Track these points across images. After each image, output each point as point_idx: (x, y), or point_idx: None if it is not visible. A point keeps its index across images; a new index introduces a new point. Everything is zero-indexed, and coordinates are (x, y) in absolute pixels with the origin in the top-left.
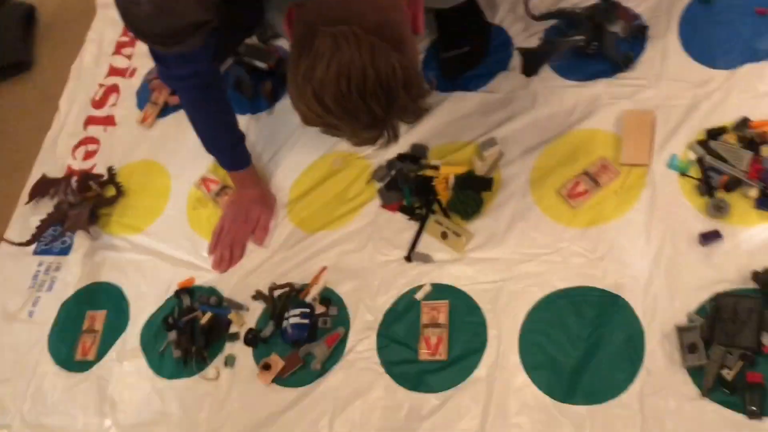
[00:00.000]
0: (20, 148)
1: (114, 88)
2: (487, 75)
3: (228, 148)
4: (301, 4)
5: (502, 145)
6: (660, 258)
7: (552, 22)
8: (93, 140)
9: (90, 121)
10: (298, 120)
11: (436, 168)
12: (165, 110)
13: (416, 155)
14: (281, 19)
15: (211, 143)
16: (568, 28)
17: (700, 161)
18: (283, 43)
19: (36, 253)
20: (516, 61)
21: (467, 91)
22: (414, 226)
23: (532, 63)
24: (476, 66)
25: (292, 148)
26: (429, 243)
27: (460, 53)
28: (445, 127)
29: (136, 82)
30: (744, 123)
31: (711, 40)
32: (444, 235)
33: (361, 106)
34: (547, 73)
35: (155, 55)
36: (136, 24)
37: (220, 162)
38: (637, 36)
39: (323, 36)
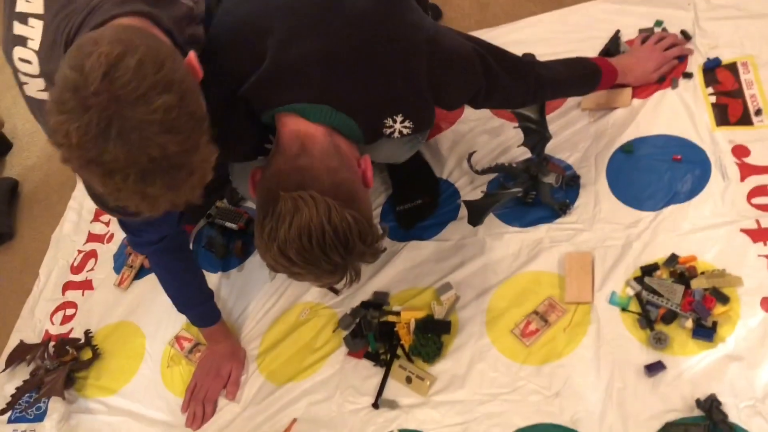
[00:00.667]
0: (2, 316)
1: (92, 254)
2: (439, 225)
3: (197, 306)
4: (263, 168)
5: (457, 289)
6: (611, 391)
7: (493, 175)
8: (71, 304)
9: (68, 286)
10: (267, 275)
11: (397, 314)
12: (141, 272)
13: (378, 302)
14: (244, 184)
15: (181, 303)
16: (507, 180)
17: (638, 296)
18: (251, 205)
19: (10, 420)
20: (464, 211)
21: (422, 240)
22: (380, 371)
23: (476, 214)
24: (429, 217)
25: (262, 302)
26: (395, 388)
27: (413, 206)
28: (404, 274)
29: (114, 246)
30: (673, 259)
31: (636, 186)
32: (408, 380)
33: (322, 257)
34: (493, 221)
35: (124, 226)
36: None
37: (190, 319)
38: (571, 184)
39: (284, 200)
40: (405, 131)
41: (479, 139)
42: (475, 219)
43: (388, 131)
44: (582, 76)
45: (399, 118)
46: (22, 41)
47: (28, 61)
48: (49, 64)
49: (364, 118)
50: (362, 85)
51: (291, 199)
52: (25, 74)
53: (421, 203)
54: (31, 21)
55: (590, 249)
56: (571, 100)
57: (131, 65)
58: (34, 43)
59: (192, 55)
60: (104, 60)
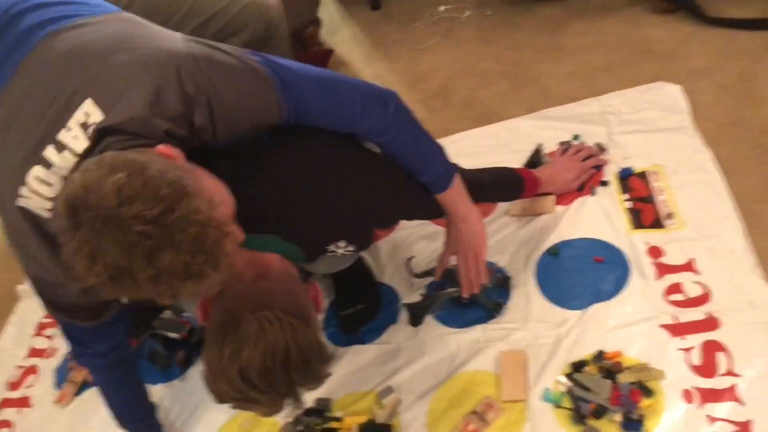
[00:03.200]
0: None
1: (32, 370)
2: (381, 328)
3: (140, 420)
4: (215, 295)
5: (399, 392)
6: None
7: (431, 278)
8: (6, 424)
9: (5, 403)
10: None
11: (339, 419)
12: (82, 387)
13: (321, 408)
14: (192, 306)
15: (123, 417)
16: (444, 282)
17: (569, 392)
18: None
19: None
20: (404, 315)
21: (364, 344)
22: None
23: (417, 315)
24: (370, 321)
25: (203, 412)
26: None
27: (356, 311)
28: (346, 379)
29: (55, 361)
30: (600, 355)
31: (563, 286)
32: None
33: (284, 378)
34: (431, 322)
35: (71, 335)
36: (61, 301)
37: None
38: (503, 285)
39: (248, 321)
40: (347, 253)
41: (417, 244)
42: (416, 320)
43: (330, 253)
44: (507, 183)
45: (342, 244)
46: (47, 164)
47: (48, 183)
48: None
49: (309, 246)
50: (311, 218)
51: (256, 319)
52: (34, 191)
53: (362, 308)
54: (67, 154)
55: (524, 347)
56: (500, 209)
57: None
58: (62, 171)
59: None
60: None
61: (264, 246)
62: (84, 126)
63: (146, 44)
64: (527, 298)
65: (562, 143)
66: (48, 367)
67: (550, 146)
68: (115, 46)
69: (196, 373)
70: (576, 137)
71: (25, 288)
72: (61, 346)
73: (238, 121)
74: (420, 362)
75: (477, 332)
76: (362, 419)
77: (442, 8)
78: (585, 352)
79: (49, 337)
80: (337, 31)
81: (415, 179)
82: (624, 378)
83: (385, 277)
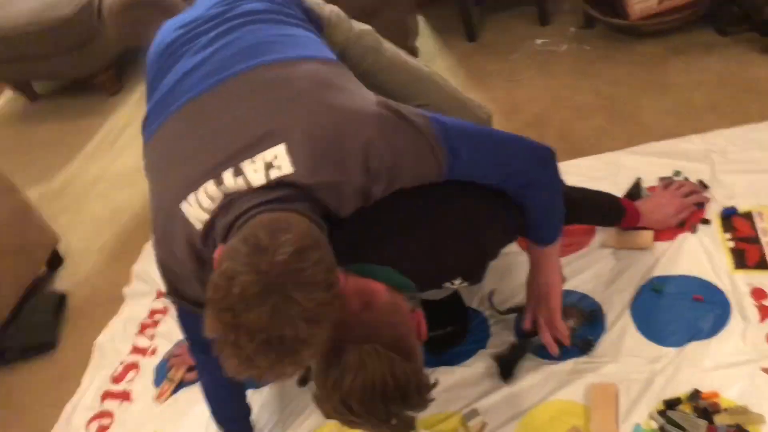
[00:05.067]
0: (39, 423)
1: (134, 365)
2: (468, 352)
3: (236, 420)
4: None
5: (485, 415)
6: None
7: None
8: (108, 414)
9: (107, 395)
10: (296, 392)
11: None
12: (178, 386)
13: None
14: None
15: (222, 415)
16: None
17: (661, 430)
18: None
19: None
20: (493, 339)
21: (451, 365)
22: None
23: (507, 368)
24: (458, 344)
25: (290, 420)
26: None
27: (444, 333)
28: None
29: (155, 359)
30: (696, 394)
31: (659, 322)
32: None
33: (382, 408)
34: None
35: (186, 324)
36: (184, 292)
37: None
38: (594, 319)
39: (351, 353)
40: (460, 286)
41: (503, 275)
42: (507, 373)
43: (444, 287)
44: (607, 207)
45: (458, 281)
46: (220, 183)
47: (212, 199)
48: (227, 215)
49: (424, 282)
50: (431, 256)
51: (358, 352)
52: (198, 202)
53: (451, 330)
54: (241, 181)
55: (615, 381)
56: (596, 241)
57: (313, 258)
58: (228, 192)
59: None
60: (298, 243)
61: (375, 275)
62: (268, 166)
63: (343, 103)
64: (621, 332)
65: (662, 178)
66: (149, 365)
67: (649, 181)
68: (313, 91)
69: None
70: (677, 173)
71: (131, 290)
72: (161, 346)
73: (401, 185)
74: (508, 388)
75: (569, 364)
76: None
77: (539, 41)
78: (679, 390)
79: (150, 337)
80: (433, 62)
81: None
82: (721, 420)
83: (475, 302)
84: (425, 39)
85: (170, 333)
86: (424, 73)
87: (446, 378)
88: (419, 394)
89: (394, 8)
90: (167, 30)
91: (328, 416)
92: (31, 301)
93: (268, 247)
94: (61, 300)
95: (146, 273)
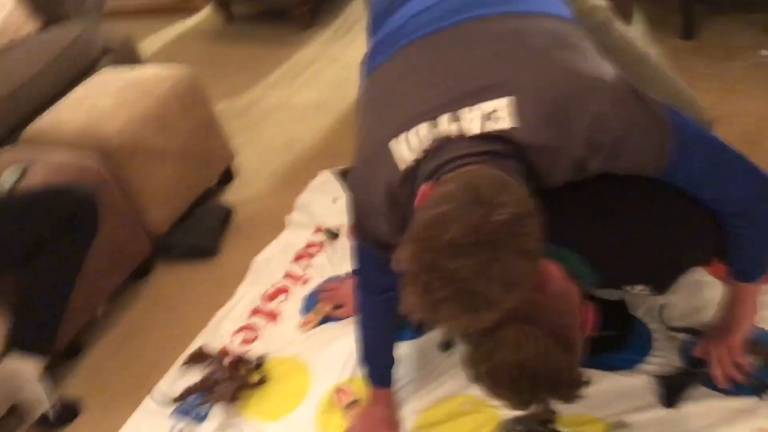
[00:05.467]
0: (188, 321)
1: (285, 290)
2: (626, 360)
3: (382, 366)
4: None
5: (632, 430)
6: None
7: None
8: (253, 329)
9: (256, 311)
10: (436, 356)
11: None
12: (323, 320)
13: (546, 418)
14: None
15: (369, 356)
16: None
17: None
18: None
19: (173, 414)
20: (653, 360)
21: (604, 370)
22: None
23: (672, 394)
24: (616, 350)
25: (426, 381)
26: None
27: (605, 335)
28: None
29: (306, 289)
30: None
31: None
32: None
33: (528, 391)
34: None
35: (361, 260)
36: (368, 228)
37: (367, 374)
38: None
39: (510, 329)
40: (640, 293)
41: (678, 290)
42: (670, 400)
43: (623, 289)
44: None
45: (639, 287)
46: (434, 125)
47: (421, 141)
48: (435, 159)
49: (607, 278)
50: (625, 256)
51: (516, 330)
52: (407, 141)
53: (612, 335)
54: (454, 127)
55: None
56: None
57: (529, 227)
58: (438, 136)
59: None
60: (516, 208)
61: (559, 258)
62: (486, 117)
63: (580, 67)
64: None
65: None
66: (299, 292)
67: None
68: (551, 49)
69: (428, 342)
70: None
71: (293, 218)
72: (313, 278)
73: (617, 167)
74: (665, 410)
75: (738, 401)
76: None
77: (764, 52)
78: None
79: (305, 267)
80: None
81: (720, 233)
82: None
83: (640, 312)
84: (636, 27)
85: (323, 267)
86: (651, 61)
87: (598, 381)
88: (569, 387)
89: None
90: None
91: (471, 380)
92: (201, 209)
93: (488, 202)
94: (228, 213)
95: (308, 206)
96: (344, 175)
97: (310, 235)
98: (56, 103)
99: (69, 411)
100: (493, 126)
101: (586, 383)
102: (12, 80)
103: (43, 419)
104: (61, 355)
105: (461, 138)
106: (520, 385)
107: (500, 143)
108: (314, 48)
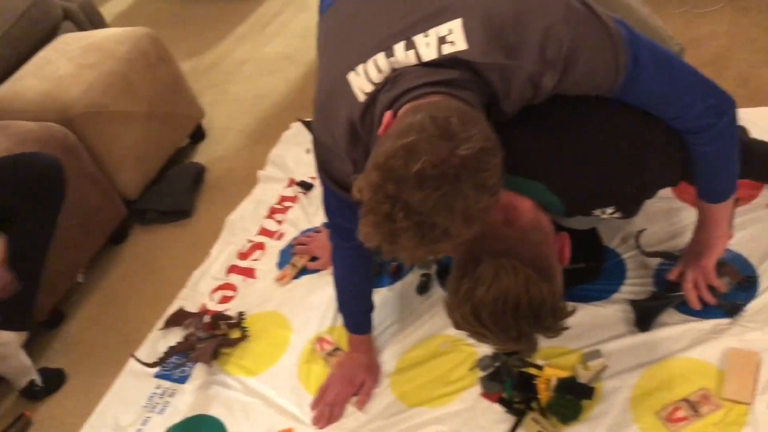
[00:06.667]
0: (167, 283)
1: (260, 246)
2: (600, 292)
3: (359, 313)
4: None
5: (607, 358)
6: None
7: (659, 259)
8: (231, 287)
9: (233, 269)
10: (414, 300)
11: (539, 368)
12: (300, 273)
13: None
14: None
15: (346, 304)
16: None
17: None
18: None
19: (156, 376)
20: (627, 287)
21: (580, 302)
22: (511, 419)
23: (645, 319)
24: (591, 282)
25: (405, 325)
26: None
27: (576, 267)
28: None
29: (281, 243)
30: None
31: None
32: None
33: (512, 324)
34: None
35: (330, 206)
36: (333, 172)
37: (346, 322)
38: (748, 284)
39: (487, 265)
40: (610, 218)
41: (655, 217)
42: (644, 324)
43: (593, 215)
44: None
45: (610, 210)
46: (390, 54)
47: (380, 71)
48: (393, 88)
49: (575, 204)
50: (589, 179)
51: (493, 264)
52: (365, 72)
53: (586, 267)
54: (411, 55)
55: (758, 349)
56: (762, 199)
57: (493, 162)
58: (397, 65)
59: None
60: (484, 143)
61: (525, 190)
62: (441, 40)
63: None
64: None
65: None
66: (275, 247)
67: None
68: None
69: (405, 286)
70: None
71: (264, 173)
72: (288, 232)
73: (570, 91)
74: (637, 336)
75: (710, 324)
76: (564, 374)
77: None
78: None
79: (279, 222)
80: None
81: (684, 151)
82: None
83: (614, 242)
84: None
85: (297, 221)
86: None
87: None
88: (554, 317)
89: None
90: None
91: (457, 326)
92: (173, 169)
93: (457, 135)
94: (200, 172)
95: (282, 159)
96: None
97: (283, 188)
98: (17, 71)
99: (55, 378)
100: (449, 49)
101: (571, 312)
102: None
103: (30, 389)
104: (43, 325)
105: (419, 65)
106: (505, 320)
107: (457, 68)
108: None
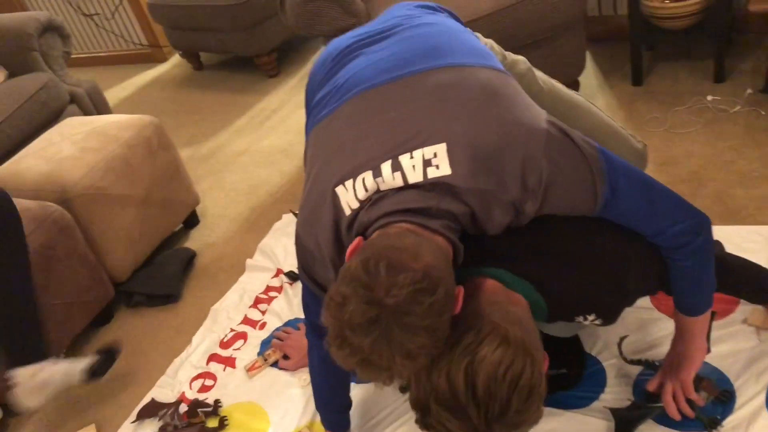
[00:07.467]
0: (146, 368)
1: (243, 335)
2: (580, 398)
3: (335, 411)
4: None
5: None
6: None
7: (640, 367)
8: (211, 376)
9: (213, 358)
10: (394, 399)
11: None
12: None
13: None
14: None
15: (324, 402)
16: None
17: None
18: None
19: None
20: (607, 395)
21: (558, 408)
22: None
23: (625, 427)
24: (570, 388)
25: (384, 425)
26: None
27: (558, 374)
28: None
29: (264, 333)
30: None
31: None
32: None
33: (503, 397)
34: None
35: (308, 306)
36: (314, 275)
37: (324, 420)
38: (725, 399)
39: (494, 326)
40: (591, 324)
41: (634, 325)
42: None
43: (575, 322)
44: (764, 281)
45: (591, 317)
46: (378, 174)
47: (366, 189)
48: (371, 212)
49: (559, 309)
50: (573, 285)
51: (502, 329)
52: (353, 188)
53: (566, 373)
54: (398, 176)
55: None
56: (739, 314)
57: (425, 303)
58: (383, 186)
59: (460, 290)
60: (412, 286)
61: (515, 287)
62: (426, 163)
63: (511, 115)
64: (752, 416)
65: None
66: (257, 337)
67: None
68: (484, 99)
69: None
70: None
71: (253, 262)
72: (271, 322)
73: (551, 212)
74: None
75: None
76: None
77: (710, 98)
78: None
79: (263, 312)
80: (592, 98)
81: (662, 263)
82: None
83: (595, 349)
84: (588, 75)
85: (281, 311)
86: (577, 100)
87: (552, 419)
88: (540, 402)
89: (565, 40)
90: (343, 38)
91: (420, 404)
92: (164, 254)
93: (382, 284)
94: (192, 257)
95: (271, 249)
96: None
97: (269, 278)
98: (20, 151)
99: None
100: (433, 173)
101: (541, 412)
102: None
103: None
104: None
105: (400, 189)
106: (500, 387)
107: (438, 192)
108: (280, 95)
